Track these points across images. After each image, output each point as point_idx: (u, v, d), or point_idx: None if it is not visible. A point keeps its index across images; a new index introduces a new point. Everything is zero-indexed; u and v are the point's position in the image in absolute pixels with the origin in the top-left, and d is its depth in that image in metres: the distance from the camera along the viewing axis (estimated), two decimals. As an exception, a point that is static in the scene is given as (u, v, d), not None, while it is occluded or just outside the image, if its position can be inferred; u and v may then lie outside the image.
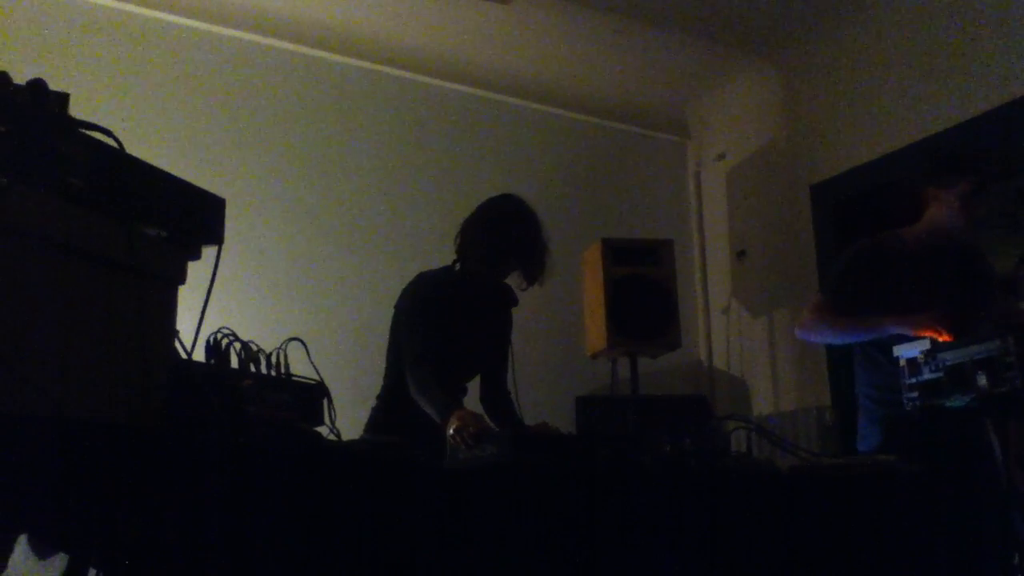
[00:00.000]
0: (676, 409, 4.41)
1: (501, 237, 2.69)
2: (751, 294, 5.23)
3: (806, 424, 4.63)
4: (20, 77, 1.27)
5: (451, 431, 2.15)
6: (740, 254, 5.30)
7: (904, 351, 2.45)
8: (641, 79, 5.34)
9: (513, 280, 2.80)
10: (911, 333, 2.55)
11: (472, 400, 2.86)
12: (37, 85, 1.25)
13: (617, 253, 4.38)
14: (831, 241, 4.65)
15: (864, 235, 3.07)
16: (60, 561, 1.36)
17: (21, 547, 1.37)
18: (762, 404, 5.00)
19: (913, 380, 2.41)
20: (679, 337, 4.40)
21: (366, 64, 4.82)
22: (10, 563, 1.33)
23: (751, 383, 5.13)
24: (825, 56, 4.82)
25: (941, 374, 2.33)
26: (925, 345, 2.40)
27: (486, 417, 2.60)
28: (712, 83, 5.47)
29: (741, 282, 5.32)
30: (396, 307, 2.79)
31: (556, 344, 4.80)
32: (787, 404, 4.83)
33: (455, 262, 2.79)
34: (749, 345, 5.20)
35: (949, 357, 2.32)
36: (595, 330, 4.39)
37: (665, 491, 1.96)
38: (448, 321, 2.73)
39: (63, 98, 1.29)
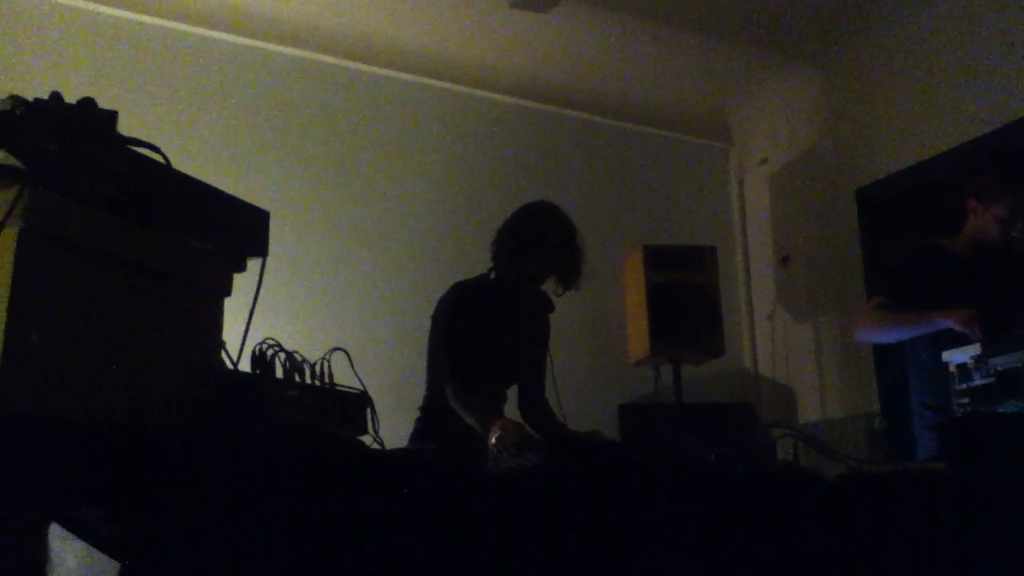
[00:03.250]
0: (721, 417, 4.37)
1: (535, 245, 2.69)
2: (796, 300, 5.17)
3: (854, 431, 4.55)
4: (71, 96, 1.30)
5: (493, 440, 2.15)
6: (784, 260, 5.24)
7: (954, 357, 2.41)
8: (682, 85, 5.32)
9: (549, 286, 2.79)
10: (956, 327, 2.56)
11: (510, 409, 2.87)
12: (87, 104, 1.28)
13: (659, 260, 4.36)
14: (878, 245, 4.58)
15: (912, 238, 3.07)
16: (112, 569, 1.39)
17: (75, 554, 1.40)
18: (809, 411, 4.93)
19: (964, 386, 2.37)
20: (723, 344, 4.37)
21: (407, 76, 4.86)
22: (63, 569, 1.35)
23: (797, 390, 5.06)
24: (868, 58, 4.76)
25: (992, 379, 2.29)
26: (975, 350, 2.36)
27: (527, 426, 2.60)
28: (754, 87, 5.42)
29: (786, 288, 5.26)
30: (432, 318, 2.80)
31: (598, 352, 4.79)
32: (834, 411, 4.76)
33: (490, 270, 2.79)
34: (795, 351, 5.13)
35: (1000, 362, 2.28)
36: (637, 337, 4.37)
37: (710, 500, 1.94)
38: (484, 330, 2.73)
39: (112, 116, 1.32)
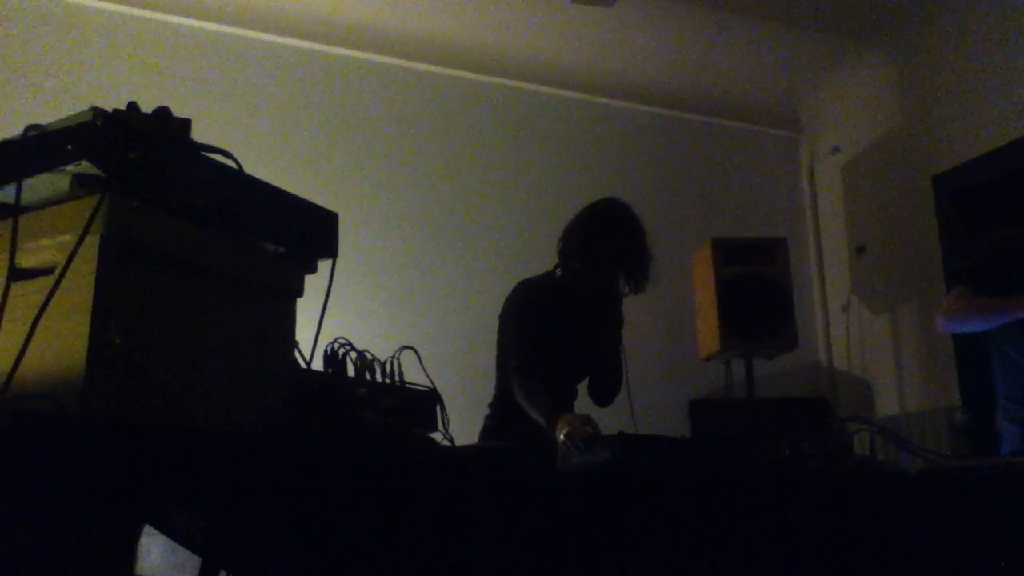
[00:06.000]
0: (795, 411, 4.29)
1: (602, 245, 2.65)
2: (872, 291, 5.05)
3: (934, 425, 4.43)
4: (146, 105, 1.34)
5: (562, 436, 2.14)
6: (859, 250, 5.13)
7: (1040, 347, 2.33)
8: (749, 74, 5.24)
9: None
10: None
11: (581, 403, 2.86)
12: (162, 112, 1.32)
13: (728, 253, 4.32)
14: (956, 233, 4.44)
15: (992, 226, 2.97)
16: (194, 563, 1.43)
17: (159, 549, 1.44)
18: (887, 405, 4.81)
19: (1050, 378, 2.29)
20: (796, 337, 4.30)
21: (472, 75, 4.89)
22: (148, 564, 1.40)
23: (874, 383, 4.95)
24: (943, 40, 4.61)
25: (1081, 371, 2.20)
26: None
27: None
28: (824, 74, 5.31)
29: (861, 278, 5.14)
30: (500, 317, 2.81)
31: (668, 347, 4.76)
32: (913, 405, 4.64)
33: (556, 267, 2.78)
34: (871, 344, 5.02)
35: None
36: (707, 332, 4.33)
37: (784, 496, 1.91)
38: (551, 327, 2.71)
39: (186, 123, 1.36)
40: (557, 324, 2.73)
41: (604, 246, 2.65)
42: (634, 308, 2.94)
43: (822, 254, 5.49)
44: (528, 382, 2.57)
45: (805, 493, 1.93)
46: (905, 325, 4.77)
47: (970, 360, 4.13)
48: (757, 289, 4.26)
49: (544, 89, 5.07)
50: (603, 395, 2.85)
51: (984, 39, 4.37)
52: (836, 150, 5.39)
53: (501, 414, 2.75)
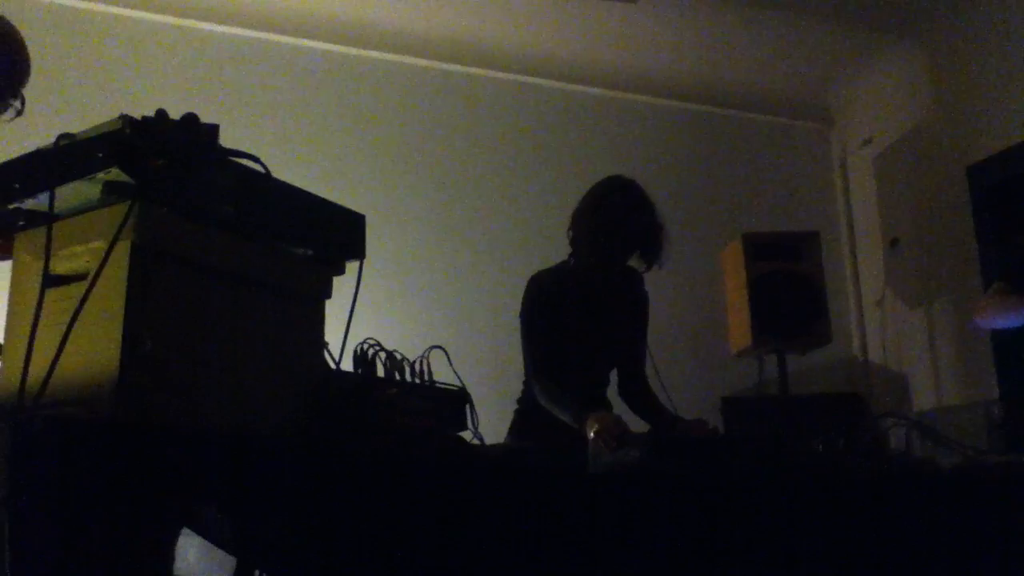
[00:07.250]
0: (829, 407, 4.25)
1: (609, 225, 2.60)
2: (907, 284, 4.98)
3: (972, 420, 4.35)
4: (174, 111, 1.36)
5: (592, 435, 2.13)
6: (893, 243, 5.06)
7: (1080, 339, 2.29)
8: (778, 67, 5.18)
9: (632, 263, 2.71)
10: None
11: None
12: (190, 119, 1.33)
13: (759, 248, 4.28)
14: (991, 224, 4.36)
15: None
16: (229, 564, 1.44)
17: (195, 550, 1.46)
18: (923, 400, 4.74)
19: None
20: (829, 332, 4.25)
21: (498, 74, 4.90)
22: (184, 564, 1.42)
23: (910, 378, 4.88)
24: (975, 28, 4.53)
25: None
26: (1102, 332, 2.23)
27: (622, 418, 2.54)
28: (854, 66, 5.24)
29: (895, 272, 5.07)
30: (519, 315, 2.77)
31: (699, 343, 4.72)
32: (950, 399, 4.57)
33: (570, 256, 2.75)
34: (907, 338, 4.95)
35: None
36: (739, 328, 4.29)
37: (818, 494, 1.89)
38: (570, 319, 2.66)
39: (213, 129, 1.37)
40: (574, 314, 2.69)
41: (612, 229, 2.60)
42: (665, 304, 2.92)
43: (855, 248, 5.42)
44: (547, 386, 2.54)
45: (839, 490, 1.91)
46: (941, 318, 4.70)
47: (1009, 353, 4.06)
48: (789, 284, 4.22)
49: (572, 86, 5.06)
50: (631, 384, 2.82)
51: (1016, 27, 4.29)
52: (868, 142, 5.32)
53: (530, 409, 2.72)
